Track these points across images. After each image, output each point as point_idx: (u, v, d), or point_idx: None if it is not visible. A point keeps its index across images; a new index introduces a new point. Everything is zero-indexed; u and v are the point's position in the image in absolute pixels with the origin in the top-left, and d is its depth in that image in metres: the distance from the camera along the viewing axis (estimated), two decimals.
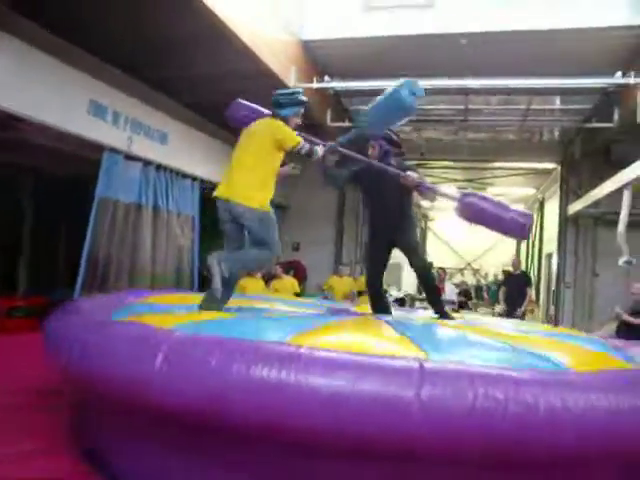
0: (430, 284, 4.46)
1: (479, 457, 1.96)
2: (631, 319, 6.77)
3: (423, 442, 1.90)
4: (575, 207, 10.08)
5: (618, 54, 7.52)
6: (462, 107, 9.19)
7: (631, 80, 7.03)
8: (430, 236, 22.32)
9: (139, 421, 2.54)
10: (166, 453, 2.47)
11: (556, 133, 10.93)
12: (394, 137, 4.35)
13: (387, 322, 3.45)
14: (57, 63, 5.81)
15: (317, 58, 8.55)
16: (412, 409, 1.86)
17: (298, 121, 3.82)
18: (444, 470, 2.11)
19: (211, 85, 8.37)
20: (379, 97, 3.88)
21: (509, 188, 15.84)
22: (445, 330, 3.26)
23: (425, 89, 8.29)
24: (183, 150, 8.11)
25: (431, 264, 4.68)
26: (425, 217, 21.51)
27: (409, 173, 3.96)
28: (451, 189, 4.10)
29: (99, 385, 2.48)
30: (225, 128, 10.15)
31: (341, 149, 3.86)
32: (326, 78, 8.25)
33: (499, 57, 7.91)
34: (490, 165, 13.86)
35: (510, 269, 18.54)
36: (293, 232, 11.65)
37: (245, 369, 2.04)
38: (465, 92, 8.61)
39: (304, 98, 3.83)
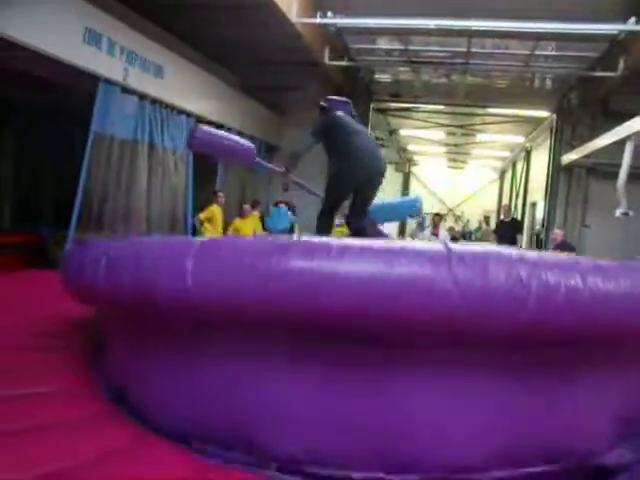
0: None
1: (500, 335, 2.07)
2: None
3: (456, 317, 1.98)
4: (571, 157, 10.07)
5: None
6: (463, 49, 8.95)
7: None
8: (413, 181, 22.30)
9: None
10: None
11: (548, 81, 10.78)
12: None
13: None
14: None
15: None
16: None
17: None
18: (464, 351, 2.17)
19: (209, 16, 8.01)
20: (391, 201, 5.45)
21: (498, 135, 15.75)
22: None
23: (428, 29, 8.08)
24: (179, 85, 7.77)
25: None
26: (409, 161, 21.43)
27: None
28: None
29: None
30: (222, 64, 9.82)
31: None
32: (329, 14, 7.90)
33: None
34: (481, 112, 13.71)
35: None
36: None
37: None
38: (469, 34, 8.36)
39: None
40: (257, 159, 5.09)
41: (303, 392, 2.26)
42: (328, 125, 4.39)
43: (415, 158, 21.40)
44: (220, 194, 8.28)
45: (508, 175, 19.71)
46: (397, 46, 9.14)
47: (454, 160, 21.31)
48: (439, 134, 16.18)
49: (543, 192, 12.44)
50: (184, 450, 2.34)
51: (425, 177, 22.16)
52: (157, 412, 2.58)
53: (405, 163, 21.00)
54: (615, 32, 7.36)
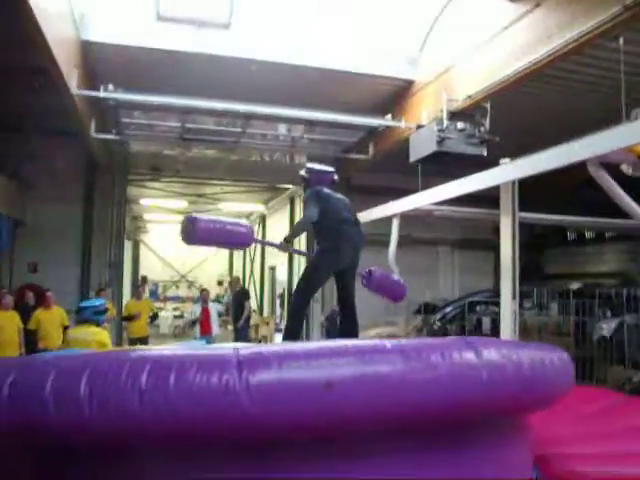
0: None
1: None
2: None
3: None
4: None
5: (384, 98, 8.71)
6: (236, 129, 9.32)
7: (402, 124, 8.15)
8: (143, 249, 21.64)
9: None
10: None
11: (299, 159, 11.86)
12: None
13: None
14: None
15: (97, 61, 7.68)
16: None
17: None
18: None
19: None
20: None
21: (238, 204, 16.51)
22: None
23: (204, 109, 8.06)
24: None
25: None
26: (138, 229, 20.74)
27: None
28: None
29: None
30: None
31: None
32: (110, 87, 7.41)
33: (284, 86, 8.28)
34: (221, 182, 14.04)
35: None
36: (30, 251, 10.05)
37: None
38: (244, 116, 8.76)
39: None
40: (255, 237, 4.62)
41: None
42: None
43: (148, 226, 20.85)
44: None
45: None
46: (174, 123, 9.01)
47: None
48: (181, 203, 16.22)
49: (283, 256, 13.37)
50: None
51: (154, 245, 21.70)
52: None
53: (136, 231, 20.30)
54: (376, 125, 8.54)
